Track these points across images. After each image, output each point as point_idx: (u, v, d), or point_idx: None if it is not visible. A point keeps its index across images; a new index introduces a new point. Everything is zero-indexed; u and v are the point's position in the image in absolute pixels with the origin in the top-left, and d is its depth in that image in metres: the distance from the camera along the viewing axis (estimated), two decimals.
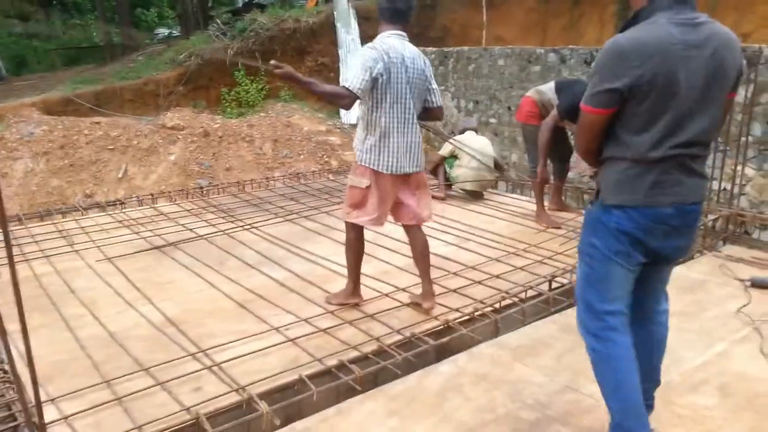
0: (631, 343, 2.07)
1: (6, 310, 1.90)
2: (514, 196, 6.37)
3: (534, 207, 5.45)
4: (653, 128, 1.89)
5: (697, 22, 1.87)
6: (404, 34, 3.24)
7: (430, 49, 10.63)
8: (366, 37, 12.43)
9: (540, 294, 3.66)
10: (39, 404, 2.00)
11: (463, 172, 5.99)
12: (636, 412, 2.06)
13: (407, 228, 3.52)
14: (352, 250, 3.47)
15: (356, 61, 3.08)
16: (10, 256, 1.83)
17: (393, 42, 3.16)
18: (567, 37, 11.93)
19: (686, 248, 2.11)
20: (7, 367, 2.85)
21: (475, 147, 5.96)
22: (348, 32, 12.24)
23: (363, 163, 3.25)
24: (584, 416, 2.51)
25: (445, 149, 6.14)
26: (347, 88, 2.98)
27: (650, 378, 2.23)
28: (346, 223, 3.42)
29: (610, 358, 2.07)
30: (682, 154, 1.91)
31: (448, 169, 6.13)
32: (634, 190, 1.94)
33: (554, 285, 3.79)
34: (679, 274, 3.97)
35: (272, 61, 2.95)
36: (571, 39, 11.57)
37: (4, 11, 20.64)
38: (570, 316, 3.22)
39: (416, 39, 12.44)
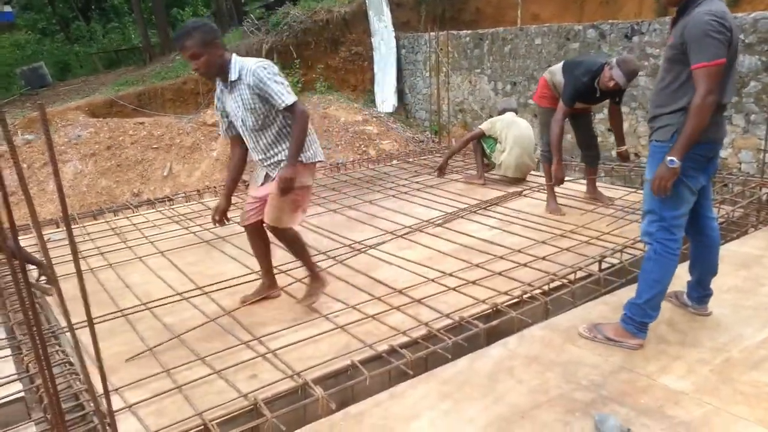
0: (680, 251, 2.73)
1: (69, 305, 1.98)
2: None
3: (581, 187, 5.37)
4: (727, 81, 2.54)
5: None
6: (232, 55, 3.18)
7: (464, 32, 10.52)
8: (399, 24, 12.39)
9: (590, 275, 3.61)
10: (107, 393, 2.08)
11: (505, 159, 5.89)
12: (657, 303, 2.80)
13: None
14: (300, 241, 3.39)
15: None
16: (74, 254, 1.90)
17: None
18: (605, 11, 11.63)
19: (716, 169, 2.95)
20: (73, 360, 2.99)
21: (518, 130, 5.86)
22: (380, 20, 12.20)
23: (311, 160, 3.28)
24: (641, 395, 2.47)
25: (489, 127, 6.00)
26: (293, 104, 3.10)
27: (712, 270, 3.01)
28: (281, 229, 3.27)
29: (666, 261, 2.71)
30: (725, 103, 2.61)
31: (487, 151, 6.05)
32: (706, 130, 2.51)
33: (604, 265, 3.73)
34: (733, 250, 3.86)
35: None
36: (610, 13, 11.28)
37: (47, 19, 21.30)
38: (622, 296, 3.18)
39: (450, 23, 12.33)
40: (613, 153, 7.81)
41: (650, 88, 7.28)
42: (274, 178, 3.23)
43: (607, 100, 4.84)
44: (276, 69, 3.14)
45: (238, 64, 3.10)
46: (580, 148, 5.32)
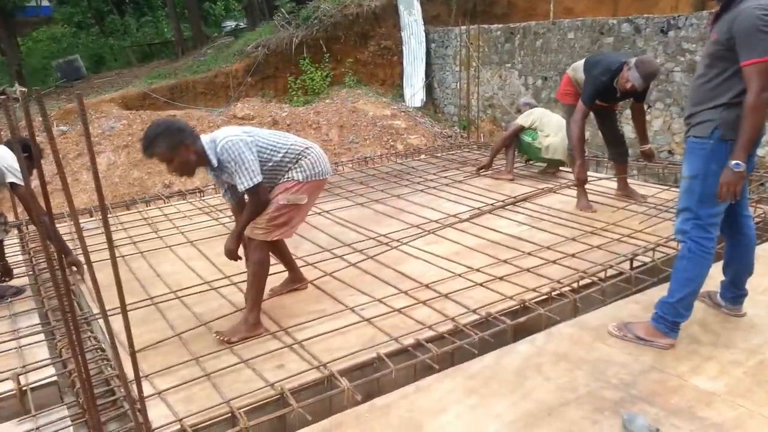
0: (715, 250, 2.68)
1: (102, 293, 2.02)
2: (588, 173, 6.16)
3: (612, 184, 5.29)
4: None
5: None
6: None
7: (495, 26, 10.42)
8: (429, 18, 12.33)
9: (621, 273, 3.55)
10: (138, 379, 2.12)
11: (552, 141, 5.72)
12: (690, 303, 2.74)
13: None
14: (265, 271, 3.17)
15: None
16: (110, 242, 1.94)
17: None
18: (640, 5, 11.40)
19: (754, 167, 2.87)
20: (104, 346, 3.06)
21: (555, 117, 5.79)
22: (410, 14, 12.16)
23: (305, 180, 3.17)
24: (671, 396, 2.42)
25: (526, 119, 5.89)
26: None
27: (747, 270, 2.95)
28: (260, 243, 3.13)
29: (701, 259, 2.65)
30: None
31: (529, 140, 5.87)
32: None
33: (636, 263, 3.66)
34: None
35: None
36: (645, 8, 11.04)
37: (82, 12, 21.73)
38: (654, 295, 3.12)
39: (481, 16, 12.22)
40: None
41: (686, 84, 7.12)
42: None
43: (631, 99, 4.75)
44: (238, 148, 2.96)
45: (211, 149, 2.99)
46: (607, 145, 5.23)
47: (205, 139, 3.03)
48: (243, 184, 2.98)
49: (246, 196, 3.18)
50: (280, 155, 3.13)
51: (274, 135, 3.20)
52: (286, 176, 3.17)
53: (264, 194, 3.10)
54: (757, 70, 2.36)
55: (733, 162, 2.46)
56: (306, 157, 3.20)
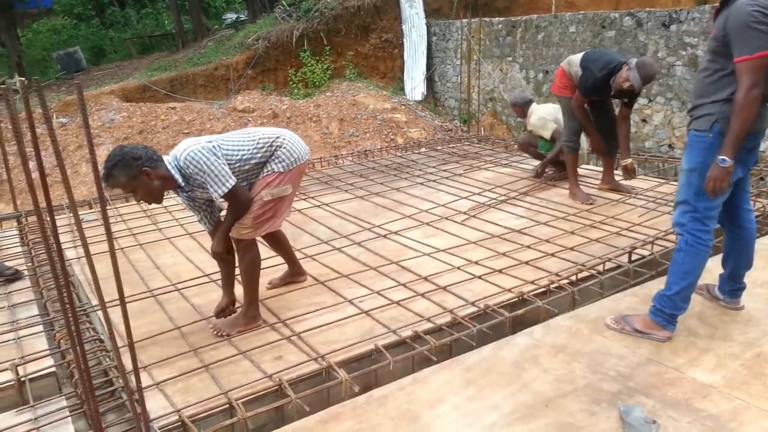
0: (713, 243, 2.67)
1: (100, 285, 2.02)
2: (588, 167, 6.18)
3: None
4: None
5: None
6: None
7: (497, 19, 10.39)
8: (430, 11, 12.29)
9: (619, 266, 3.55)
10: (137, 370, 2.13)
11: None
12: (687, 296, 2.75)
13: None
14: (257, 268, 3.13)
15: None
16: (108, 233, 1.94)
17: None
18: None
19: (756, 161, 2.79)
20: (103, 337, 3.07)
21: (557, 114, 5.54)
22: (411, 6, 12.12)
23: (285, 170, 3.06)
24: (668, 388, 2.43)
25: (548, 130, 5.56)
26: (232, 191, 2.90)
27: (746, 264, 2.94)
28: (249, 242, 3.07)
29: (698, 252, 2.65)
30: None
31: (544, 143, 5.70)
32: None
33: (634, 257, 3.66)
34: None
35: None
36: (647, 1, 11.01)
37: (83, 4, 21.67)
38: (652, 288, 3.12)
39: (482, 9, 12.17)
40: (647, 144, 7.67)
41: (687, 79, 7.11)
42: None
43: (619, 103, 4.75)
44: (201, 156, 2.82)
45: (174, 167, 2.86)
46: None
47: (167, 159, 2.87)
48: (217, 191, 2.85)
49: (223, 209, 3.08)
50: (251, 151, 2.98)
51: (237, 134, 3.05)
52: (265, 170, 3.05)
53: (243, 194, 2.97)
54: (747, 66, 2.36)
55: (720, 157, 2.46)
56: (281, 147, 3.05)
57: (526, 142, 5.99)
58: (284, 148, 3.06)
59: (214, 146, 2.88)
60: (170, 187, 2.90)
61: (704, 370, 2.54)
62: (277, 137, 3.08)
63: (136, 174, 2.73)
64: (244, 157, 2.97)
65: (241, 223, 3.01)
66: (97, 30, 20.59)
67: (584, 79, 4.60)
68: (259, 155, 3.02)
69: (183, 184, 2.90)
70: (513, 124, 10.09)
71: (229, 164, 2.91)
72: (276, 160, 3.05)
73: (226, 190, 2.86)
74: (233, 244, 3.12)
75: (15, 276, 3.84)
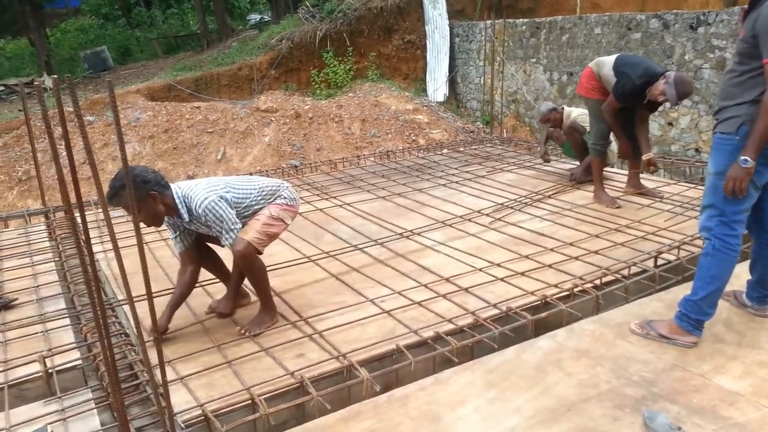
0: (740, 248, 2.63)
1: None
2: (613, 170, 6.10)
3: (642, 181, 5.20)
4: None
5: None
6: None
7: (521, 20, 10.33)
8: (453, 12, 12.26)
9: (644, 271, 3.51)
10: (162, 365, 2.15)
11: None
12: (714, 301, 2.70)
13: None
14: (265, 273, 3.17)
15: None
16: (137, 230, 1.97)
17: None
18: (668, 1, 11.21)
19: None
20: (128, 331, 3.11)
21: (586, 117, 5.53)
22: (435, 7, 12.11)
23: (288, 202, 3.22)
24: (693, 395, 2.39)
25: (583, 126, 5.47)
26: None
27: None
28: (253, 254, 3.04)
29: (725, 256, 2.61)
30: None
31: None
32: None
33: (660, 261, 3.61)
34: None
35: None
36: (674, 3, 10.86)
37: (110, 4, 22.02)
38: (678, 293, 3.07)
39: (506, 11, 12.12)
40: (674, 148, 7.57)
41: (714, 82, 7.00)
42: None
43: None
44: (220, 208, 2.92)
45: (184, 202, 2.93)
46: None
47: (176, 190, 2.93)
48: (228, 240, 2.95)
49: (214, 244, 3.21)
50: (255, 200, 3.12)
51: (242, 182, 3.16)
52: (268, 203, 3.18)
53: (245, 250, 3.01)
54: None
55: (742, 157, 2.42)
56: (282, 192, 3.23)
57: (573, 128, 5.76)
58: (287, 191, 3.26)
59: (229, 197, 3.00)
60: (172, 214, 2.96)
61: (731, 378, 2.49)
62: (280, 185, 3.28)
63: (144, 196, 2.79)
64: (249, 204, 3.12)
65: (245, 232, 3.02)
66: (123, 30, 20.91)
67: (621, 85, 4.49)
68: (263, 202, 3.16)
69: (186, 218, 2.96)
70: (536, 126, 10.01)
71: (236, 210, 3.03)
72: (279, 198, 3.21)
73: (232, 239, 2.96)
74: (234, 262, 3.15)
75: (5, 304, 3.57)
